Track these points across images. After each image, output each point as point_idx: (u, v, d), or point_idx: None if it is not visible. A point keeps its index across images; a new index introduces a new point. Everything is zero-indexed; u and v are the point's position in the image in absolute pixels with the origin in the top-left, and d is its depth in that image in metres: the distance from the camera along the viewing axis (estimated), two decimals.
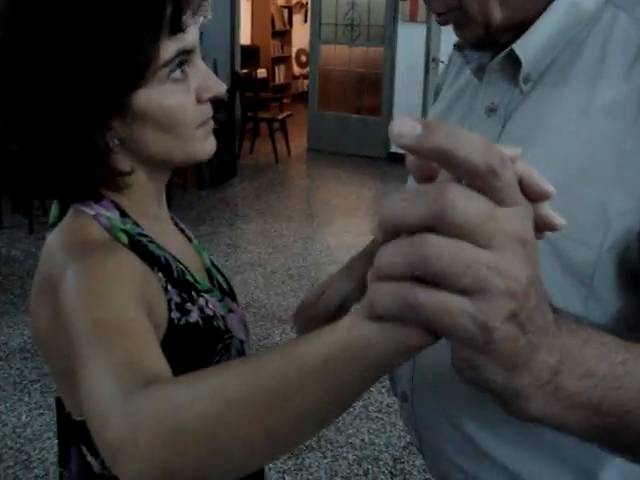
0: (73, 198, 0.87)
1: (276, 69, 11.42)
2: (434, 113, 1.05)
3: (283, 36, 11.61)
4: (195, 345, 0.88)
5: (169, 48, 0.80)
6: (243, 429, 0.49)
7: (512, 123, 0.84)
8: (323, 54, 8.44)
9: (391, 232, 0.42)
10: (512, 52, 0.81)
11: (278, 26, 11.39)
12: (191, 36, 0.83)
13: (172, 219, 1.02)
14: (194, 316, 0.88)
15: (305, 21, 11.72)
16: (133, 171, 0.86)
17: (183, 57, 0.83)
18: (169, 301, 0.85)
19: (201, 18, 0.83)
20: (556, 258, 0.75)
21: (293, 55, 11.99)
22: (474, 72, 0.90)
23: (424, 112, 6.77)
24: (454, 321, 0.40)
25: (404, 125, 0.40)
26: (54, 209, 0.91)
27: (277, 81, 11.43)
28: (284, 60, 11.68)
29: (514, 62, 0.82)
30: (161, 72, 0.81)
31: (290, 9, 11.76)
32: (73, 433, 0.89)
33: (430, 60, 6.63)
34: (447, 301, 0.40)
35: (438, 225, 0.40)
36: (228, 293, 1.03)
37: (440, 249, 0.39)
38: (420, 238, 0.40)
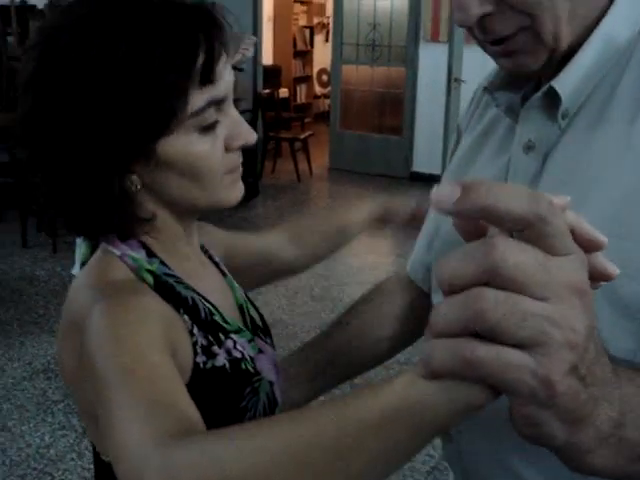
0: (98, 235, 0.86)
1: (298, 89, 11.48)
2: (460, 156, 1.03)
3: (304, 56, 11.68)
4: (222, 389, 0.85)
5: (199, 99, 0.79)
6: None
7: (552, 161, 0.82)
8: (345, 74, 8.47)
9: (447, 292, 0.42)
10: (551, 88, 0.80)
11: (300, 46, 11.46)
12: (223, 85, 0.81)
13: (206, 252, 1.00)
14: (221, 359, 0.85)
15: (326, 41, 11.79)
16: (153, 218, 0.85)
17: (214, 107, 0.81)
18: (194, 344, 0.83)
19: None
20: (603, 294, 0.72)
21: (314, 75, 12.05)
22: (506, 112, 0.89)
23: (446, 132, 6.75)
24: (514, 376, 0.40)
25: (442, 191, 0.40)
26: (84, 248, 0.91)
27: (299, 101, 11.49)
28: (305, 80, 11.75)
29: (552, 98, 0.80)
30: (189, 122, 0.79)
31: (312, 29, 11.83)
32: (104, 473, 0.86)
33: (452, 80, 6.62)
34: (506, 356, 0.39)
35: (492, 280, 0.39)
36: (261, 329, 1.01)
37: (495, 303, 0.39)
38: (475, 293, 0.40)
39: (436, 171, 7.32)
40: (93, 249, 0.89)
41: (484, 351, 0.40)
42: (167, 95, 0.76)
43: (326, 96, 11.60)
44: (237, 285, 1.03)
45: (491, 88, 0.90)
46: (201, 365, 0.82)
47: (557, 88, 0.79)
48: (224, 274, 1.03)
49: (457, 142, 1.09)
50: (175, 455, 0.54)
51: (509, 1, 0.74)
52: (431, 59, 7.57)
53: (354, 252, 5.58)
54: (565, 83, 0.79)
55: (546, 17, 0.75)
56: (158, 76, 0.75)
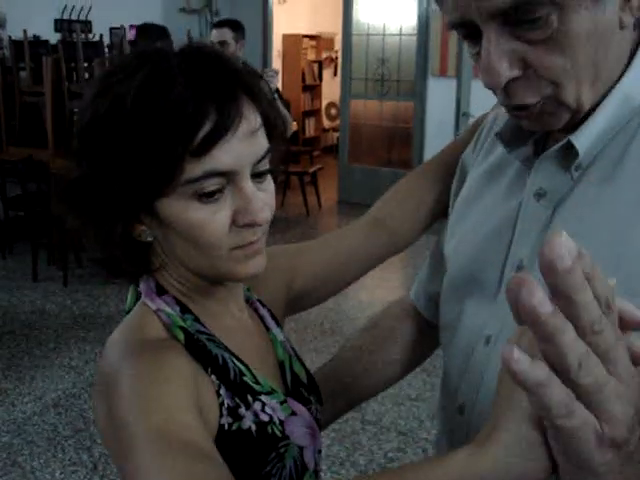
0: (121, 276, 0.89)
1: (306, 122, 11.55)
2: (465, 195, 1.05)
3: (313, 90, 11.77)
4: (245, 453, 0.83)
5: (196, 168, 0.76)
6: None
7: (563, 210, 0.84)
8: (353, 108, 8.53)
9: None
10: (569, 143, 0.82)
11: (308, 80, 11.56)
12: (230, 157, 0.78)
13: (252, 305, 0.99)
14: (247, 422, 0.84)
15: (335, 75, 11.89)
16: (161, 267, 0.88)
17: (217, 179, 0.78)
18: (220, 405, 0.81)
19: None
20: None
21: (323, 108, 12.13)
22: (522, 161, 0.91)
23: None
24: (584, 435, 0.43)
25: (566, 244, 0.42)
26: (130, 296, 0.92)
27: (307, 134, 11.56)
28: (314, 113, 11.82)
29: (568, 151, 0.83)
30: (184, 188, 0.77)
31: (320, 63, 11.93)
32: None
33: (460, 114, 6.67)
34: (584, 415, 0.43)
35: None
36: (306, 386, 0.99)
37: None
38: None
39: None
40: (137, 297, 0.90)
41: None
42: (162, 160, 0.76)
43: (334, 129, 11.67)
44: (282, 339, 1.00)
45: (504, 138, 0.92)
46: (226, 427, 0.81)
47: (575, 143, 0.82)
48: (268, 328, 1.00)
49: (461, 180, 1.10)
50: None
51: (536, 68, 0.77)
52: (439, 94, 7.62)
53: (364, 286, 5.57)
54: (583, 139, 0.82)
55: (570, 85, 0.78)
56: (160, 141, 0.75)
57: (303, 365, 1.01)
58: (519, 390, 0.46)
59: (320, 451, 0.97)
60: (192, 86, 0.76)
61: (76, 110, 5.33)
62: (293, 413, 0.91)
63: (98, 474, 3.08)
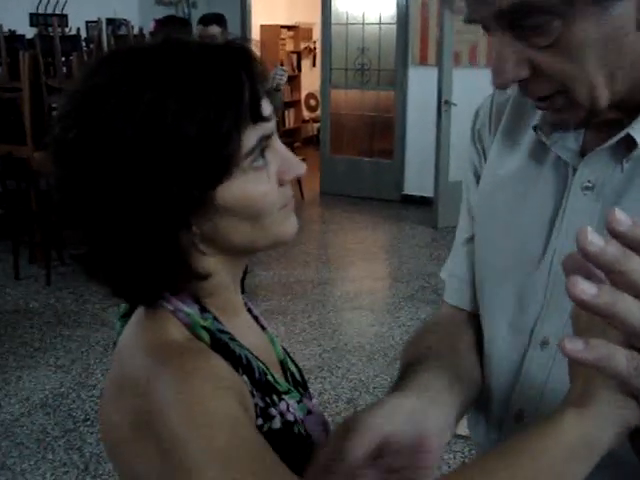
0: (151, 299, 0.81)
1: (286, 113, 11.50)
2: (499, 182, 0.99)
3: (292, 81, 11.72)
4: (280, 455, 0.77)
5: (251, 138, 0.76)
6: None
7: (615, 203, 0.82)
8: (334, 98, 8.49)
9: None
10: (628, 136, 0.80)
11: (287, 71, 11.50)
12: (269, 120, 0.79)
13: (245, 305, 0.96)
14: (277, 422, 0.81)
15: (314, 65, 11.84)
16: (210, 275, 0.81)
17: (264, 143, 0.79)
18: (255, 406, 0.79)
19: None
20: None
21: (302, 99, 12.08)
22: (565, 155, 0.88)
23: (437, 155, 6.78)
24: None
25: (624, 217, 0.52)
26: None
27: (287, 125, 11.51)
28: (293, 104, 11.77)
29: (625, 144, 0.81)
30: (244, 162, 0.77)
31: (299, 54, 11.88)
32: None
33: (442, 103, 6.65)
34: None
35: None
36: (301, 384, 0.97)
37: None
38: None
39: (427, 194, 7.33)
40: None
41: None
42: (224, 143, 0.73)
43: (314, 120, 11.64)
44: (277, 341, 0.99)
45: (544, 131, 0.89)
46: (261, 429, 0.78)
47: (634, 135, 0.80)
48: (263, 328, 0.99)
49: (479, 154, 1.05)
50: None
51: (544, 70, 0.77)
52: (420, 82, 7.60)
53: (350, 277, 5.56)
54: None
55: (581, 88, 0.77)
56: (213, 125, 0.73)
57: (296, 364, 1.00)
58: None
59: None
60: (221, 61, 0.76)
61: (54, 105, 5.26)
62: (309, 412, 0.90)
63: (90, 474, 3.04)
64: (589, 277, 0.55)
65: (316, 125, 11.25)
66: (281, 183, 0.82)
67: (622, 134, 0.81)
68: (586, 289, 0.50)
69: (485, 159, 1.03)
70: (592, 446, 0.55)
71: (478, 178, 1.04)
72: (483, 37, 6.92)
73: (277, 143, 0.82)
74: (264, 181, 0.80)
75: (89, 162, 0.73)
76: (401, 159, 7.96)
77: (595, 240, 0.51)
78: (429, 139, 7.09)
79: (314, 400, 0.96)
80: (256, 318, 0.98)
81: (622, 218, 0.52)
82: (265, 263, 5.83)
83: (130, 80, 0.73)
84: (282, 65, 7.38)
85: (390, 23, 7.86)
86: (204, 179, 0.74)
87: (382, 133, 8.26)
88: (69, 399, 3.68)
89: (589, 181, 0.85)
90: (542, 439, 0.56)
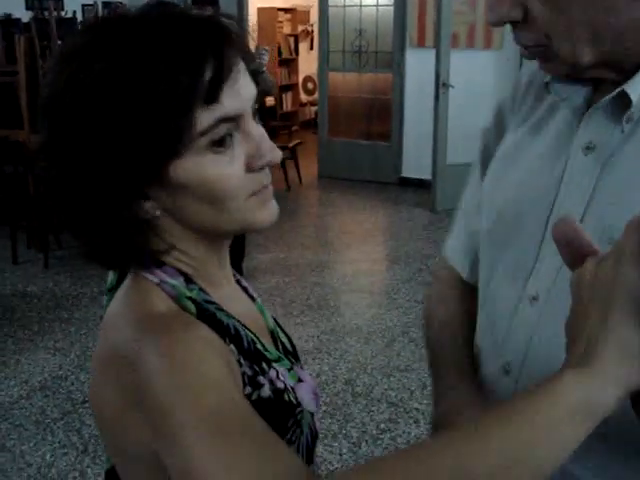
0: (119, 266, 0.84)
1: (283, 97, 11.47)
2: (510, 145, 1.01)
3: (289, 64, 11.68)
4: (268, 422, 0.77)
5: (207, 117, 0.73)
6: None
7: (613, 164, 0.83)
8: (331, 81, 8.47)
9: None
10: (623, 92, 0.81)
11: (285, 54, 11.46)
12: (237, 101, 0.76)
13: (234, 276, 0.96)
14: (266, 390, 0.81)
15: (311, 49, 11.81)
16: (170, 248, 0.81)
17: (227, 125, 0.76)
18: (243, 375, 0.79)
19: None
20: None
21: (300, 82, 12.05)
22: (572, 111, 0.90)
23: (435, 137, 6.76)
24: None
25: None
26: (111, 274, 0.88)
27: (285, 109, 11.48)
28: (291, 88, 11.75)
29: (621, 102, 0.82)
30: (198, 142, 0.74)
31: (296, 37, 11.84)
32: None
33: (440, 85, 6.63)
34: None
35: None
36: (292, 354, 0.98)
37: None
38: None
39: (425, 176, 7.33)
40: (120, 275, 0.86)
41: None
42: (171, 115, 0.72)
43: (312, 104, 11.61)
44: (267, 312, 0.99)
45: (554, 86, 0.90)
46: (249, 397, 0.79)
47: (629, 92, 0.81)
48: (253, 299, 0.99)
49: (498, 127, 1.07)
50: None
51: (533, 16, 0.80)
52: (418, 64, 7.58)
53: (348, 260, 5.57)
54: (637, 88, 0.81)
55: (563, 41, 0.79)
56: (161, 95, 0.71)
57: (287, 335, 1.01)
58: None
59: None
60: (184, 32, 0.74)
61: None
62: (300, 380, 0.90)
63: (89, 455, 3.06)
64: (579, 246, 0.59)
65: (314, 108, 11.23)
66: (250, 169, 0.79)
67: (615, 92, 0.81)
68: None
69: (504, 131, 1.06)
70: (592, 407, 0.53)
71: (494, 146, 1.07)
72: (481, 18, 6.90)
73: (251, 126, 0.79)
74: (224, 164, 0.77)
75: (53, 128, 0.76)
76: (399, 142, 7.95)
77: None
78: (427, 121, 7.07)
79: (306, 370, 0.96)
80: (245, 289, 0.99)
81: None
82: (263, 246, 5.84)
83: (87, 50, 0.74)
84: (265, 46, 7.29)
85: (387, 5, 7.83)
86: (152, 151, 0.73)
87: (380, 116, 8.24)
88: (68, 381, 3.70)
89: (590, 142, 0.85)
90: (539, 399, 0.54)
